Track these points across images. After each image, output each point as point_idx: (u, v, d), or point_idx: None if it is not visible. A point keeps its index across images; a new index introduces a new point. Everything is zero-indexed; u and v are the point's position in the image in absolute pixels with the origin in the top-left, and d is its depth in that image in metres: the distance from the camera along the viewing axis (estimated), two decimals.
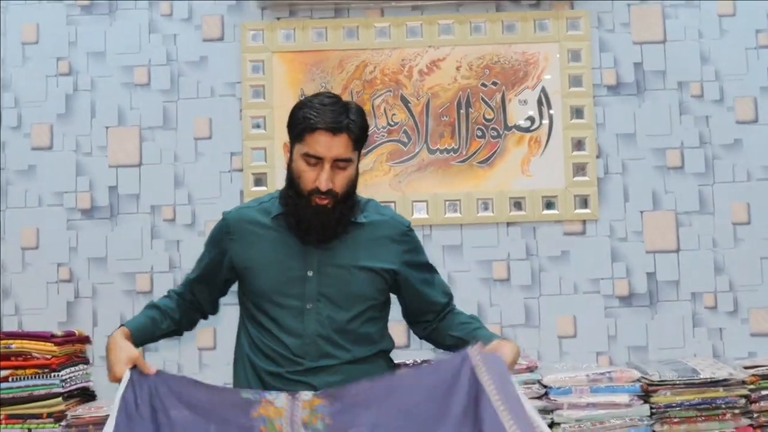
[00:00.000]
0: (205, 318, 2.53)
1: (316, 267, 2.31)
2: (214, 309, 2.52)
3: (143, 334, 2.34)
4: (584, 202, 3.65)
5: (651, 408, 3.19)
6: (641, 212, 3.67)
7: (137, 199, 3.70)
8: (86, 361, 3.50)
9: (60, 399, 3.22)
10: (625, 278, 3.63)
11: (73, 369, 3.33)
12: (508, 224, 3.66)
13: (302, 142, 2.25)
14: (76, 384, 3.33)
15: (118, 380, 2.13)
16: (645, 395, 3.22)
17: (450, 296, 2.48)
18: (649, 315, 3.63)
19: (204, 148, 3.72)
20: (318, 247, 2.31)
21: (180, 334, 2.47)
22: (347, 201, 2.31)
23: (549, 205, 3.65)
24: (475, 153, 3.68)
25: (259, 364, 2.30)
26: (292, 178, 2.30)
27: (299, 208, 2.27)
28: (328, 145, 2.22)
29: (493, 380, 2.05)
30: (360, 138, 2.30)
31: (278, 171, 3.61)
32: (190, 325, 2.50)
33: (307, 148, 2.24)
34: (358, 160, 2.34)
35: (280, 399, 2.14)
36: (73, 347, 3.40)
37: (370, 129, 3.51)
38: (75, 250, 3.68)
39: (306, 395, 2.14)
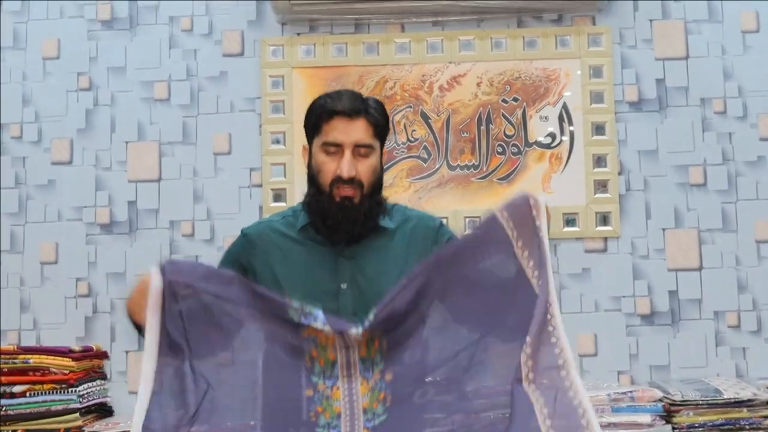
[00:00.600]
0: None
1: (349, 279, 2.19)
2: None
3: None
4: (606, 219, 3.62)
5: (673, 428, 3.12)
6: (663, 230, 3.63)
7: (156, 214, 3.70)
8: (104, 377, 3.50)
9: (77, 414, 3.20)
10: (647, 296, 3.59)
11: (90, 384, 3.32)
12: None
13: (320, 132, 2.19)
14: (93, 399, 3.33)
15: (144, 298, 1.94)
16: (667, 415, 3.15)
17: None
18: (671, 334, 3.58)
19: (223, 164, 3.71)
20: (349, 259, 2.21)
21: None
22: (374, 195, 2.20)
23: (570, 222, 3.63)
24: (495, 169, 3.66)
25: None
26: (312, 176, 2.21)
27: (323, 206, 2.17)
28: (347, 129, 2.15)
29: (523, 243, 1.94)
30: (380, 126, 2.22)
31: (297, 187, 3.60)
32: None
33: (324, 137, 2.17)
34: (382, 154, 2.25)
35: (326, 329, 1.98)
36: (90, 363, 3.40)
37: (390, 144, 3.53)
38: (94, 265, 3.67)
39: (355, 330, 1.96)
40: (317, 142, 2.20)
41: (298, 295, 2.13)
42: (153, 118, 3.73)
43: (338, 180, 2.14)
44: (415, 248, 2.25)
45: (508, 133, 3.67)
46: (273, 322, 1.99)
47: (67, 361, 3.24)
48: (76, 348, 3.34)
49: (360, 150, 2.16)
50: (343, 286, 2.19)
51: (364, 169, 2.16)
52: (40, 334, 3.63)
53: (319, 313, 1.97)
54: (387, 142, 2.33)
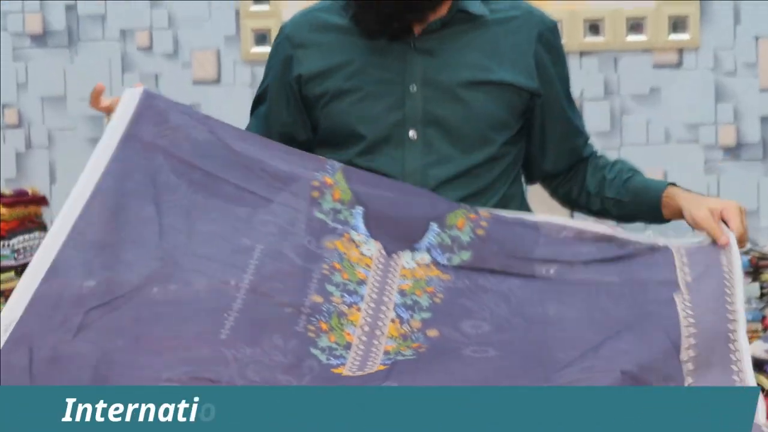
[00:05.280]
0: None
1: (421, 79, 1.87)
2: None
3: None
4: (681, 24, 3.25)
5: (761, 287, 2.91)
6: (756, 38, 3.24)
7: (103, 22, 3.33)
8: (43, 227, 3.24)
9: (12, 274, 3.00)
10: (733, 124, 3.27)
11: (27, 237, 3.11)
12: (582, 54, 3.28)
13: None
14: (31, 256, 2.94)
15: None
16: (754, 271, 2.92)
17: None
18: (762, 170, 3.29)
19: None
20: (423, 53, 1.88)
21: None
22: None
23: (635, 27, 3.26)
24: None
25: None
26: None
27: None
28: None
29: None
30: None
31: None
32: None
33: None
34: None
35: (370, 246, 1.72)
36: (26, 210, 3.18)
37: None
38: (24, 87, 3.36)
39: (408, 260, 1.69)
40: None
41: (353, 103, 1.92)
42: None
43: None
44: (519, 49, 1.92)
45: None
46: (289, 216, 1.72)
47: None
48: (7, 192, 3.13)
49: None
50: (413, 88, 1.87)
51: None
52: None
53: (359, 223, 1.72)
54: None
